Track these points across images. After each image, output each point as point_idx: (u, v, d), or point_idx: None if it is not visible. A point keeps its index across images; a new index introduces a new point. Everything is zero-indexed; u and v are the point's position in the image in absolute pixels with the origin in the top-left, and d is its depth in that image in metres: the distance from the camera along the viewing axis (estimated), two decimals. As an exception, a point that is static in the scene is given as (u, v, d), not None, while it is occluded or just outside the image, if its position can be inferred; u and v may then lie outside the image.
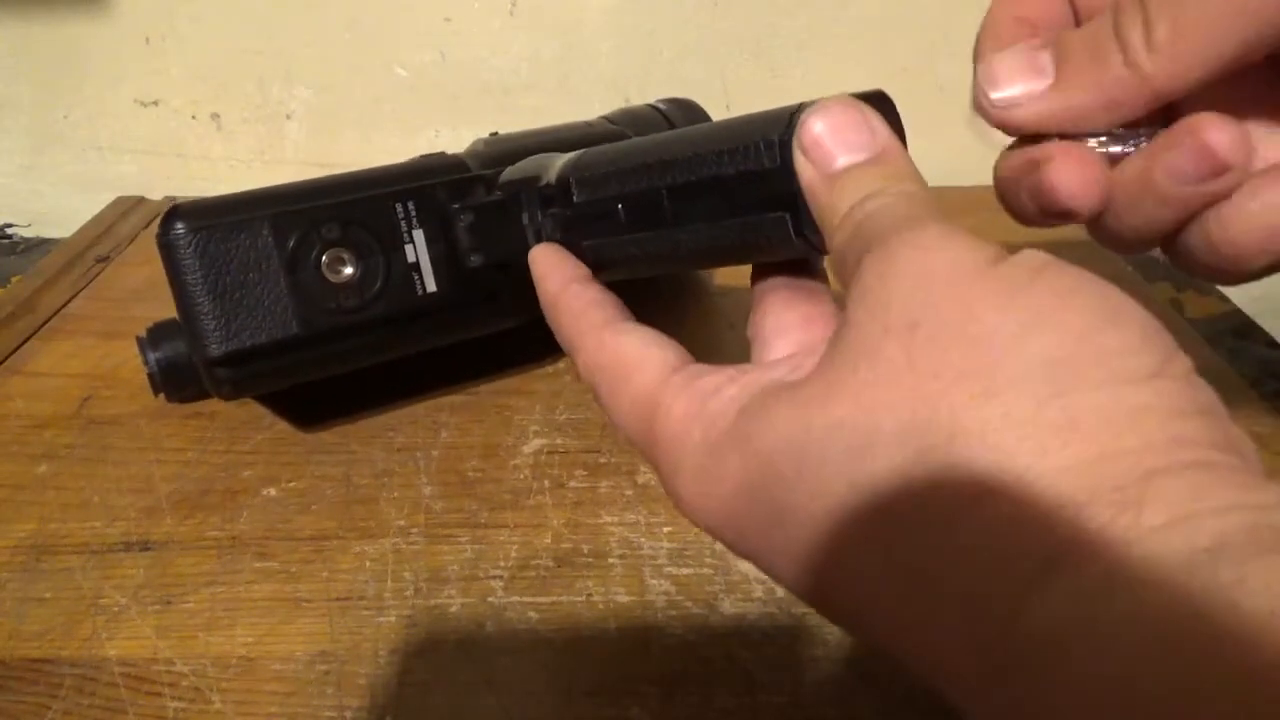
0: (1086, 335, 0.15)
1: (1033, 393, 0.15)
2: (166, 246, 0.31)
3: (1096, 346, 0.15)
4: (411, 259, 0.34)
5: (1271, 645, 0.11)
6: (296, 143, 0.65)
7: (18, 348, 0.43)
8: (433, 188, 0.34)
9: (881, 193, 0.19)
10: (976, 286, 0.16)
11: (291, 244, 0.32)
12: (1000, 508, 0.14)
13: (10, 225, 0.64)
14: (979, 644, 0.14)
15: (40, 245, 0.60)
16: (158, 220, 0.32)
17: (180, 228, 0.31)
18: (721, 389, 0.20)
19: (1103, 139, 0.23)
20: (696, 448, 0.19)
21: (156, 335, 0.36)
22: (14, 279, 0.50)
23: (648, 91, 0.65)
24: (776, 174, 0.21)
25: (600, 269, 0.28)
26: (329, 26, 0.62)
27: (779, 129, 0.21)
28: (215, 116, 0.64)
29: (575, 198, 0.28)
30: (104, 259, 0.52)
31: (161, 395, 0.37)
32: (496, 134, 0.44)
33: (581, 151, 0.30)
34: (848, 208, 0.19)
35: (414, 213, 0.34)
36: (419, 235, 0.34)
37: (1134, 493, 0.14)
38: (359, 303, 0.33)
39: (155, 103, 0.64)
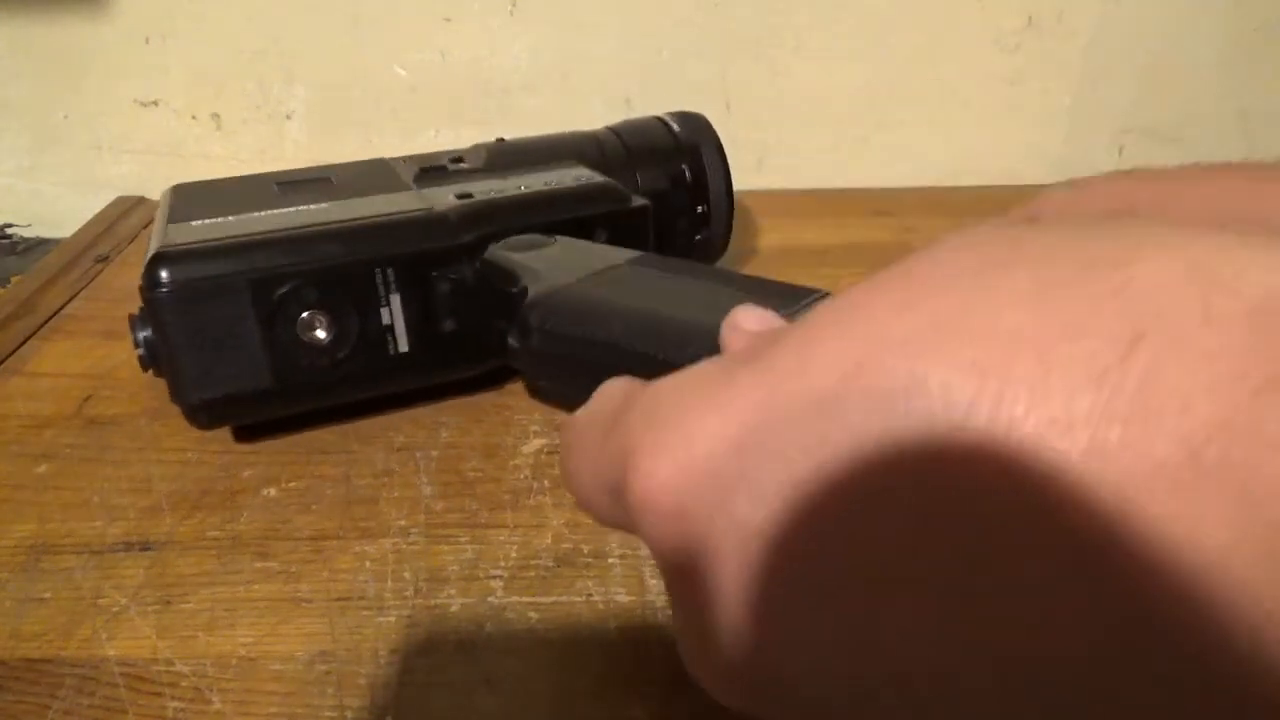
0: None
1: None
2: (151, 301, 0.32)
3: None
4: (386, 321, 0.35)
5: None
6: (296, 143, 0.65)
7: (18, 348, 0.43)
8: (414, 256, 0.35)
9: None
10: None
11: (269, 306, 0.33)
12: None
13: (10, 225, 0.64)
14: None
15: (40, 245, 0.60)
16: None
17: (164, 283, 0.32)
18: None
19: None
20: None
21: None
22: (14, 279, 0.50)
23: (647, 92, 0.65)
24: None
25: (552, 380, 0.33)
26: (329, 26, 0.62)
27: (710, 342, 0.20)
28: (215, 116, 0.64)
29: (534, 342, 0.32)
30: (104, 259, 0.52)
31: (150, 371, 0.36)
32: (503, 140, 0.44)
33: (551, 290, 0.32)
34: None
35: (393, 279, 0.34)
36: (395, 300, 0.35)
37: None
38: (331, 361, 0.34)
39: (155, 103, 0.64)
